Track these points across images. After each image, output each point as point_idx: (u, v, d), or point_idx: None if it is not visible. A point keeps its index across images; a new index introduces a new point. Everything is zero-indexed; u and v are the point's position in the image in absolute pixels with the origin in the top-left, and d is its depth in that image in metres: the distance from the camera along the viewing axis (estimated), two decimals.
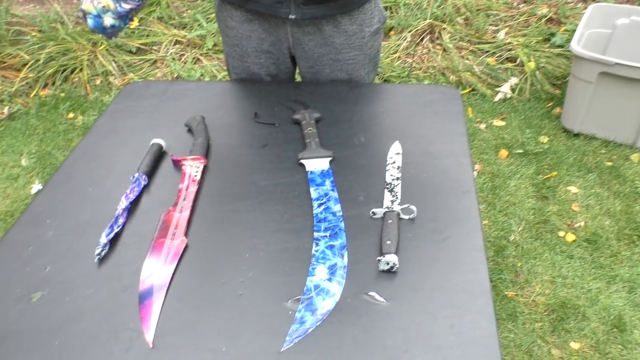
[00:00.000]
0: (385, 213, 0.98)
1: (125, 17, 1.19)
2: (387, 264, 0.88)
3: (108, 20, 1.15)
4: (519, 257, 1.88)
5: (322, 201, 1.02)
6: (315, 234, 0.96)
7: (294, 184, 1.09)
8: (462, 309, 0.83)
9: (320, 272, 0.89)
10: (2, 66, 3.08)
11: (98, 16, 1.15)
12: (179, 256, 0.94)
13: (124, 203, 1.04)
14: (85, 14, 1.16)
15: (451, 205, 1.02)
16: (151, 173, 1.13)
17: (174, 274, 0.91)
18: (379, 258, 0.89)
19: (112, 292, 0.89)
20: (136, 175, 1.09)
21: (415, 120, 1.25)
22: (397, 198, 1.02)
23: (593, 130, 2.31)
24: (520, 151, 2.31)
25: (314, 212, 1.00)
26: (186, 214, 1.02)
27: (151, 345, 0.80)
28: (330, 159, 1.13)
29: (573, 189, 2.11)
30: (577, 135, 2.36)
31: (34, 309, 0.86)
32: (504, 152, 2.31)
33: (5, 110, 2.88)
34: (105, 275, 0.92)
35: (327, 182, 1.07)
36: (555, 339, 1.62)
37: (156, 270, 0.91)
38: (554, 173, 2.17)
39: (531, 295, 1.76)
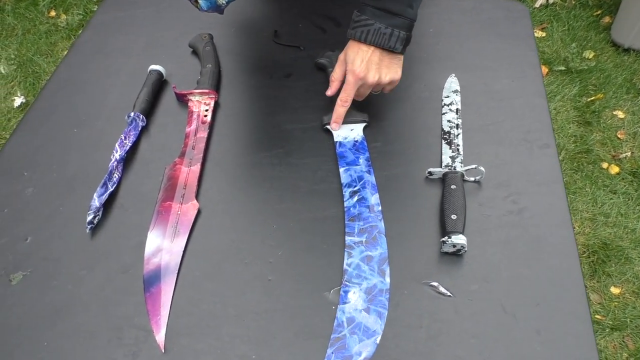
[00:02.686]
0: (445, 174, 0.79)
1: None
2: (454, 246, 0.70)
3: None
4: None
5: (355, 189, 0.79)
6: (348, 238, 0.73)
7: (327, 129, 0.88)
8: (550, 308, 0.66)
9: (354, 298, 0.68)
10: None
11: None
12: (191, 225, 0.76)
13: (118, 152, 0.83)
14: None
15: (526, 163, 0.82)
16: (150, 110, 0.92)
17: (184, 250, 0.73)
18: (443, 239, 0.71)
19: (110, 274, 0.71)
20: (132, 114, 0.88)
21: (473, 45, 1.01)
22: (459, 153, 0.82)
23: None
24: (562, 68, 2.05)
25: (345, 203, 0.77)
26: (196, 168, 0.82)
27: (162, 350, 0.64)
28: (364, 124, 0.87)
29: (619, 114, 1.90)
30: (627, 50, 2.09)
31: (14, 294, 0.70)
32: (543, 69, 2.05)
33: None
34: (100, 250, 0.74)
35: (362, 160, 0.82)
36: (594, 283, 1.50)
37: (163, 246, 0.74)
38: (600, 95, 1.94)
39: None
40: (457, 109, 0.89)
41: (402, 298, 0.68)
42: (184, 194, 0.79)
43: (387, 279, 0.69)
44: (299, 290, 0.69)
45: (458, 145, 0.83)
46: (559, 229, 0.74)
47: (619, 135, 1.85)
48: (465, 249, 0.70)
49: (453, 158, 0.81)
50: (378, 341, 0.64)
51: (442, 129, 0.86)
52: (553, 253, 0.71)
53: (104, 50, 1.04)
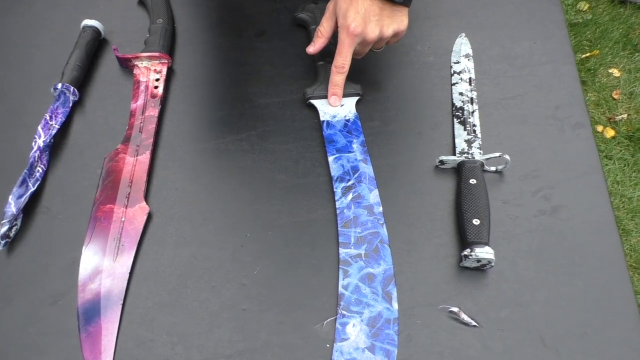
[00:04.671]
0: (461, 164, 0.63)
1: None
2: (478, 261, 0.55)
3: None
4: None
5: (349, 183, 0.62)
6: (342, 251, 0.57)
7: (311, 104, 0.70)
8: (599, 339, 0.53)
9: (354, 333, 0.53)
10: None
11: None
12: (139, 237, 0.59)
13: (42, 137, 0.64)
14: None
15: (556, 148, 0.67)
16: (84, 80, 0.72)
17: (131, 272, 0.56)
18: (464, 253, 0.56)
19: (34, 306, 0.54)
20: (59, 86, 0.68)
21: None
22: (476, 136, 0.66)
23: None
24: None
25: (337, 203, 0.61)
26: (145, 158, 0.64)
27: None
28: (357, 98, 0.70)
29: (615, 72, 1.76)
30: (623, 2, 1.93)
31: None
32: None
33: None
34: (19, 273, 0.56)
35: (356, 145, 0.66)
36: None
37: (104, 267, 0.56)
38: (596, 51, 1.79)
39: None
40: (469, 79, 0.72)
41: (415, 330, 0.53)
42: (129, 194, 0.61)
43: (395, 305, 0.54)
44: (282, 322, 0.54)
45: (474, 125, 0.67)
46: (602, 232, 0.60)
47: (614, 96, 1.72)
48: (492, 265, 0.56)
49: (469, 142, 0.65)
50: None
51: (453, 104, 0.70)
52: (597, 265, 0.57)
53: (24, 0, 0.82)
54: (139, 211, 0.60)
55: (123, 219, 0.59)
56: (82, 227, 0.59)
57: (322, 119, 0.68)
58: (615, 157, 1.59)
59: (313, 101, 0.69)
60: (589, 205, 0.62)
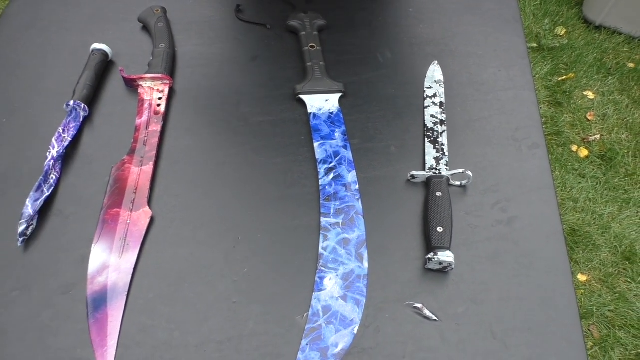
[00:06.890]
0: (429, 179, 0.71)
1: None
2: (440, 264, 0.63)
3: None
4: None
5: (331, 165, 0.73)
6: (323, 220, 0.68)
7: (299, 122, 0.79)
8: (542, 333, 0.61)
9: (330, 285, 0.62)
10: None
11: None
12: (143, 237, 0.66)
13: (55, 148, 0.72)
14: None
15: (514, 166, 0.75)
16: (93, 98, 0.80)
17: (135, 267, 0.64)
18: (428, 256, 0.64)
19: (48, 295, 0.61)
20: (71, 103, 0.76)
21: (456, 28, 0.92)
22: (443, 154, 0.75)
23: (618, 24, 2.00)
24: (535, 45, 1.99)
25: (320, 181, 0.71)
26: (148, 168, 0.72)
27: None
28: (340, 94, 0.81)
29: (589, 95, 1.87)
30: (598, 28, 2.05)
31: None
32: None
33: None
34: (35, 266, 0.63)
35: (338, 134, 0.76)
36: None
37: (110, 262, 0.64)
38: (571, 75, 1.90)
39: None
40: (440, 102, 0.81)
41: (383, 323, 0.61)
42: (134, 200, 0.69)
43: (365, 264, 0.65)
44: (267, 314, 0.61)
45: (443, 144, 0.76)
46: (550, 242, 0.68)
47: (588, 117, 1.82)
48: (453, 267, 0.64)
49: (437, 159, 0.74)
50: (356, 331, 0.60)
51: (425, 125, 0.78)
52: (544, 270, 0.66)
53: (37, 24, 0.90)
54: (143, 215, 0.68)
55: (128, 221, 0.67)
56: (91, 228, 0.66)
57: (309, 111, 0.78)
58: (588, 175, 1.68)
59: (302, 96, 0.80)
60: (540, 217, 0.70)
